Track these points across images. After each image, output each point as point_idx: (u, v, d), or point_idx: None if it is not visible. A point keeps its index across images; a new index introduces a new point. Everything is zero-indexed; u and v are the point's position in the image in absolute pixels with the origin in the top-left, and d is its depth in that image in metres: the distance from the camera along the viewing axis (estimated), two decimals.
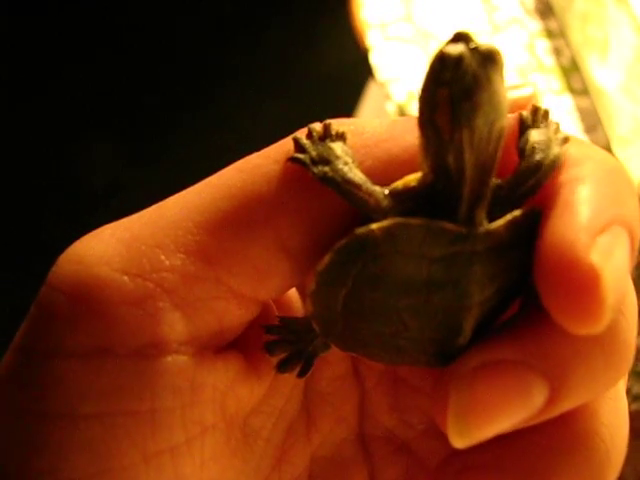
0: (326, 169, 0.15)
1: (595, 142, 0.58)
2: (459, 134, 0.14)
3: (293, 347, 0.17)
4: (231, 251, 0.15)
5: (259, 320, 0.17)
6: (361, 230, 0.14)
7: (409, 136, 0.16)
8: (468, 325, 0.15)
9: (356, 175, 0.15)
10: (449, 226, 0.14)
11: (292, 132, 0.16)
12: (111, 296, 0.14)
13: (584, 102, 0.61)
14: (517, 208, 0.15)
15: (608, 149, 0.56)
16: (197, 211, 0.15)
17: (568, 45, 0.64)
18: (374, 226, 0.14)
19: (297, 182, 0.15)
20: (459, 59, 0.13)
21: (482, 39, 0.14)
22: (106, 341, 0.15)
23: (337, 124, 0.16)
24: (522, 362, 0.15)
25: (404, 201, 0.15)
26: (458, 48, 0.13)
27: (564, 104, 0.61)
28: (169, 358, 0.15)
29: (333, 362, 0.19)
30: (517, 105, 0.16)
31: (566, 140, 0.16)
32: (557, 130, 0.16)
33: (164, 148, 1.20)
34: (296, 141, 0.16)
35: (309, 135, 0.16)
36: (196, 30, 1.33)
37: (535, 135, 0.16)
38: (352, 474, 0.20)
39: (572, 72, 0.63)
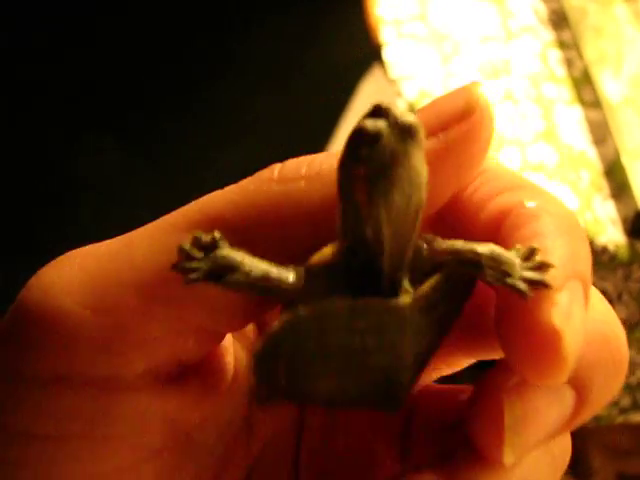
0: (236, 277, 0.14)
1: (604, 155, 0.58)
2: (376, 210, 0.13)
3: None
4: (192, 292, 0.15)
5: None
6: (288, 315, 0.14)
7: None
8: (406, 376, 0.15)
9: (264, 270, 0.14)
10: (374, 301, 0.14)
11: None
12: (73, 329, 0.15)
13: (594, 114, 0.61)
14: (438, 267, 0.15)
15: (618, 162, 0.56)
16: (164, 251, 0.15)
17: (580, 57, 0.65)
18: (300, 309, 0.14)
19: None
20: (377, 136, 0.13)
21: (402, 111, 0.13)
22: (65, 370, 0.15)
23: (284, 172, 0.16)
24: None
25: (323, 277, 0.14)
26: (377, 124, 0.13)
27: (574, 115, 0.61)
28: (124, 391, 0.15)
29: None
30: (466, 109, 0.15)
31: (541, 267, 0.14)
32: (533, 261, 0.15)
33: (157, 140, 1.18)
34: (182, 251, 0.14)
35: (196, 245, 0.14)
36: (195, 22, 1.32)
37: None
38: None
39: (583, 84, 0.63)
